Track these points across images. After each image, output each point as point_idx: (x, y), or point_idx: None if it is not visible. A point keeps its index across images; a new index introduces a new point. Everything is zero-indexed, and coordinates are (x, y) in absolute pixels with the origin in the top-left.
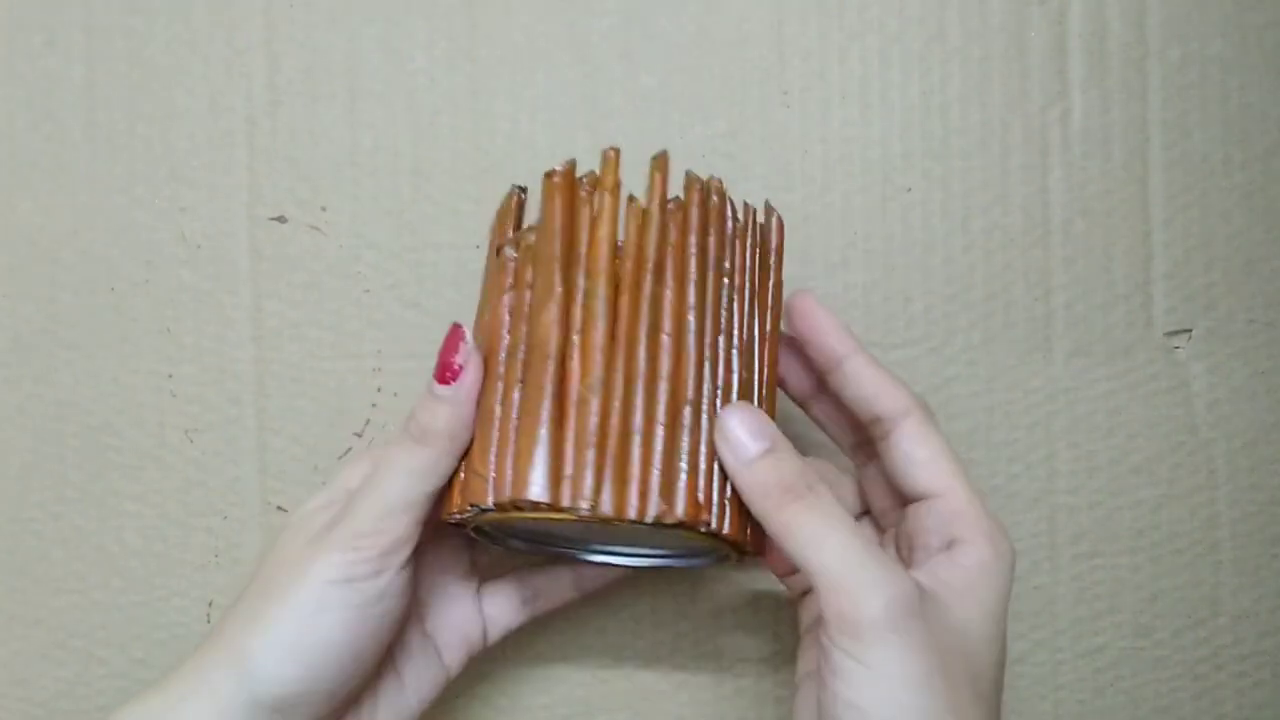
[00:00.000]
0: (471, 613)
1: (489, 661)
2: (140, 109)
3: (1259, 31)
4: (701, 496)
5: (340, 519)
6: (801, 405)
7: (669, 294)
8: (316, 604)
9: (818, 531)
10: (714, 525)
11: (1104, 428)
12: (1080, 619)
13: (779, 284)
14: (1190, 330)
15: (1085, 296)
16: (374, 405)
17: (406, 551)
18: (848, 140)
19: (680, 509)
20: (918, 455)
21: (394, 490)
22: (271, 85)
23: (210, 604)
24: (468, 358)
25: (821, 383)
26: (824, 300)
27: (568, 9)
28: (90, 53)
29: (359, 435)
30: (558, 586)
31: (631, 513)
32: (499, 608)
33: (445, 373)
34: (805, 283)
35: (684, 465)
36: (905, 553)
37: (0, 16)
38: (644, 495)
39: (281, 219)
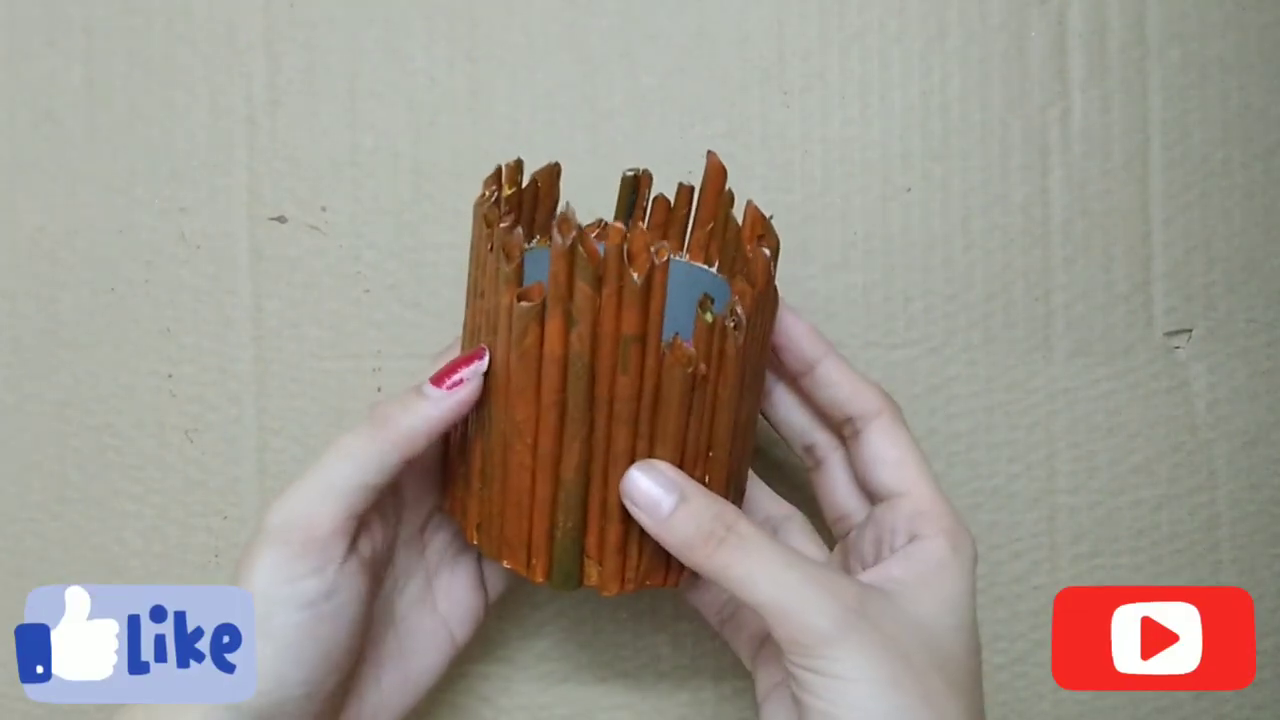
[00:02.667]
0: (476, 584)
1: (490, 662)
2: (140, 109)
3: (1259, 31)
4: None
5: (275, 501)
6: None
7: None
8: (263, 609)
9: (749, 570)
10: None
11: (1104, 428)
12: None
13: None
14: (1190, 330)
15: (1085, 296)
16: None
17: (342, 545)
18: (848, 140)
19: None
20: (888, 455)
21: (335, 474)
22: (271, 85)
23: None
24: (474, 377)
25: (794, 385)
26: (824, 300)
27: (568, 9)
28: (90, 53)
29: None
30: None
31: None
32: (492, 577)
33: (444, 378)
34: (805, 283)
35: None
36: (870, 552)
37: (0, 16)
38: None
39: (281, 219)
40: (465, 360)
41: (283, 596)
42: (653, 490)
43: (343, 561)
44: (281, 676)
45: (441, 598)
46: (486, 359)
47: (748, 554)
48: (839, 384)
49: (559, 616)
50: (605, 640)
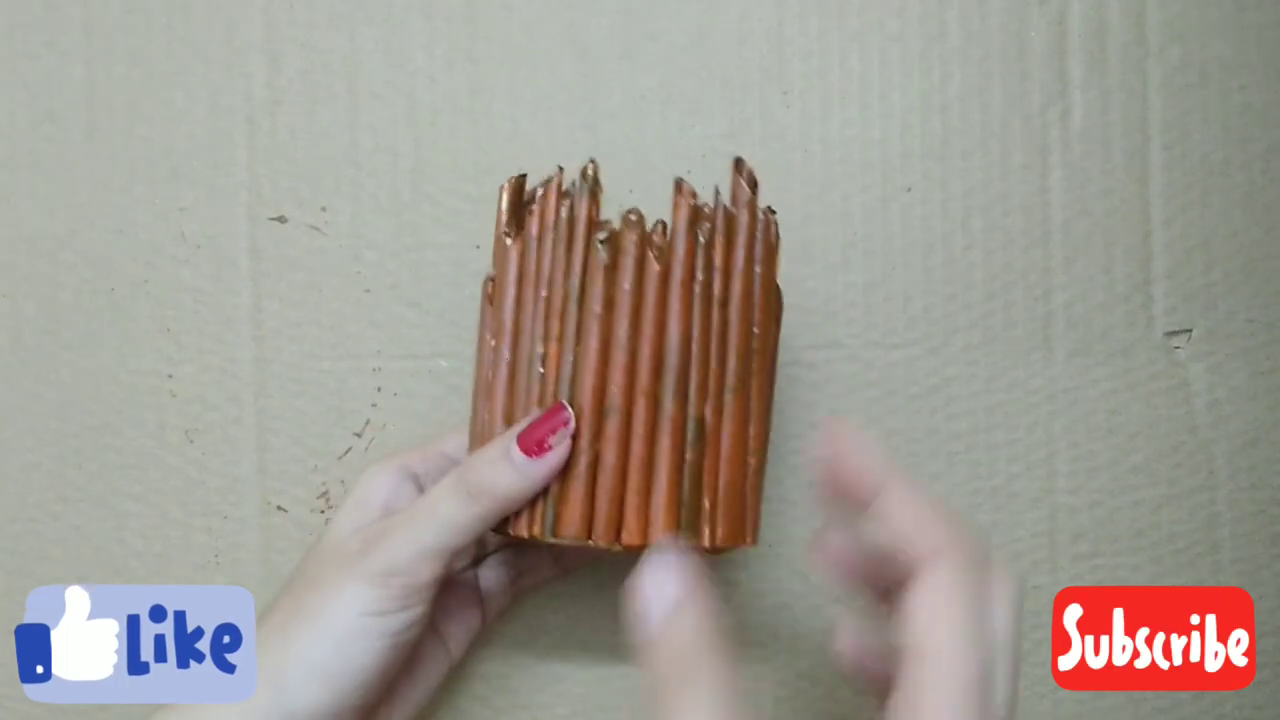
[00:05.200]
0: (473, 601)
1: (489, 661)
2: (140, 109)
3: (1259, 31)
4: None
5: (374, 549)
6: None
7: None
8: (348, 633)
9: None
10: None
11: (1104, 428)
12: None
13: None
14: (1190, 330)
15: (1085, 296)
16: (374, 405)
17: (436, 587)
18: (848, 140)
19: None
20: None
21: (432, 537)
22: (271, 85)
23: None
24: (561, 441)
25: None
26: (824, 300)
27: (568, 9)
28: (90, 53)
29: (359, 435)
30: (540, 563)
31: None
32: (492, 591)
33: (532, 446)
34: (805, 282)
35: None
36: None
37: (0, 16)
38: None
39: (281, 219)
40: (550, 424)
41: (369, 626)
42: (653, 589)
43: (427, 601)
44: (343, 692)
45: (441, 617)
46: (572, 421)
47: (694, 711)
48: (900, 519)
49: (559, 616)
50: (605, 640)
